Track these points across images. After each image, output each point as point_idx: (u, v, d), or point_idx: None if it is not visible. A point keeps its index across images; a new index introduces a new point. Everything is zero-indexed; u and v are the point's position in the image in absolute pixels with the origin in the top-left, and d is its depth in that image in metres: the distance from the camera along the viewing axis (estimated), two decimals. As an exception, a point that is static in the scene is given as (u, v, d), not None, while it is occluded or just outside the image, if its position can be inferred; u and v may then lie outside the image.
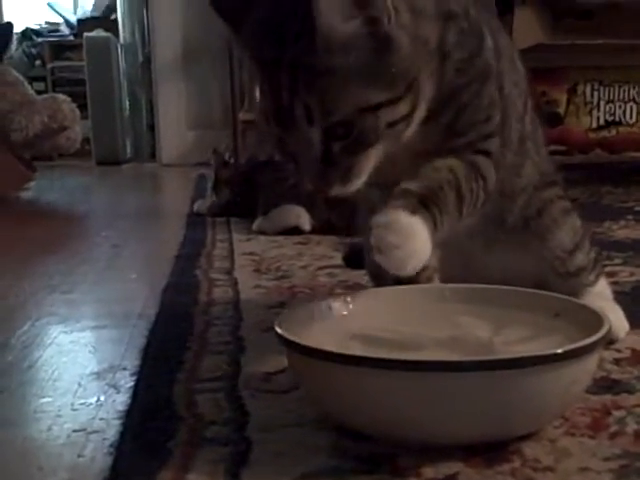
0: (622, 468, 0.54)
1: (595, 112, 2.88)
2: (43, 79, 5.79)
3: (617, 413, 0.64)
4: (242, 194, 2.03)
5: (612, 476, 0.53)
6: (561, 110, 2.85)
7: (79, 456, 0.63)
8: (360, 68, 0.64)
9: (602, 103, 2.88)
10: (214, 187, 2.13)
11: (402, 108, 0.67)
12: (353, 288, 1.15)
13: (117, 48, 5.31)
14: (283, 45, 0.65)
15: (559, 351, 0.55)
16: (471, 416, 0.55)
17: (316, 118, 0.65)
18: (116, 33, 5.39)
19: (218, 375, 0.78)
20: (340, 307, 0.74)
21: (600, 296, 0.89)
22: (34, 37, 5.97)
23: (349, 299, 0.76)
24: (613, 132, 2.90)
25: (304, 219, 1.78)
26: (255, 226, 1.85)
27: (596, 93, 2.88)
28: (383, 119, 0.66)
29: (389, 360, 0.56)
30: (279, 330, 0.63)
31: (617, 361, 0.77)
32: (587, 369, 0.59)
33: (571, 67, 2.82)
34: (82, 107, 3.73)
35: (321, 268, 1.34)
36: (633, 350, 0.81)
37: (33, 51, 5.94)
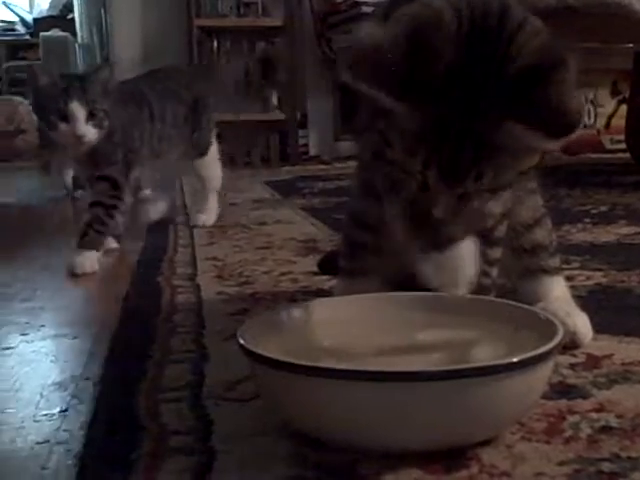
0: (576, 472, 0.56)
1: (554, 114, 2.90)
2: (-2, 79, 5.70)
3: (572, 418, 0.66)
4: None
5: (566, 480, 0.55)
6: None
7: (43, 468, 0.63)
8: None
9: (560, 105, 2.92)
10: None
11: None
12: (317, 294, 1.16)
13: (75, 48, 5.25)
14: None
15: (514, 360, 0.57)
16: (429, 424, 0.57)
17: None
18: (74, 33, 5.33)
19: (181, 384, 0.78)
20: (302, 316, 0.75)
21: (567, 302, 0.89)
22: (-11, 36, 5.89)
23: (312, 308, 0.77)
24: (571, 134, 2.93)
25: None
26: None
27: (554, 95, 2.91)
28: None
29: (347, 370, 0.57)
30: (241, 340, 0.64)
31: (572, 366, 0.79)
32: (542, 377, 0.61)
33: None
34: (40, 108, 3.67)
35: (284, 274, 1.34)
36: (588, 355, 0.83)
37: (-12, 50, 5.87)
